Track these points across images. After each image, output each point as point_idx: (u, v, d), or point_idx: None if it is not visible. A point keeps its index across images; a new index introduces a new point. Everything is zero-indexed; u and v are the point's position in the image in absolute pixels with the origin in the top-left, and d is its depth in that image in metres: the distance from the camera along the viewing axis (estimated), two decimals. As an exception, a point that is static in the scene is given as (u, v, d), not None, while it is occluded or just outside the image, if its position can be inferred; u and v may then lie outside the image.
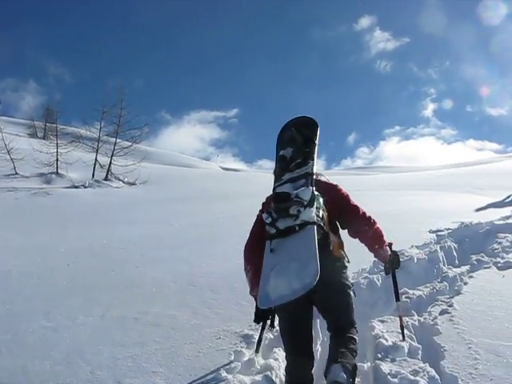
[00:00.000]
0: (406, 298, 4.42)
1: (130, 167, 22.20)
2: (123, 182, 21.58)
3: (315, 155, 3.20)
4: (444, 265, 5.59)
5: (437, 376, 2.94)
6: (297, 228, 2.79)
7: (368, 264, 5.46)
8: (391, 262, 3.30)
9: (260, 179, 24.61)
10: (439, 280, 4.82)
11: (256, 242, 3.12)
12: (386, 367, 3.06)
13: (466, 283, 4.66)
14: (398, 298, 3.60)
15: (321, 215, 2.88)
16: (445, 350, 3.27)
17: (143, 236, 8.39)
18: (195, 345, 3.71)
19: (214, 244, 7.44)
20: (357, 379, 2.94)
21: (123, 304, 4.63)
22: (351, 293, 3.04)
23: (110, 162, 22.74)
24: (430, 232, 7.19)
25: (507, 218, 8.39)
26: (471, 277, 4.89)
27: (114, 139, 24.44)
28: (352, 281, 3.33)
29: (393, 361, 3.20)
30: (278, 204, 2.88)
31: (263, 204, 3.31)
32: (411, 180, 20.30)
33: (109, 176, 22.15)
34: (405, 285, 4.84)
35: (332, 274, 2.88)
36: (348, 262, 3.13)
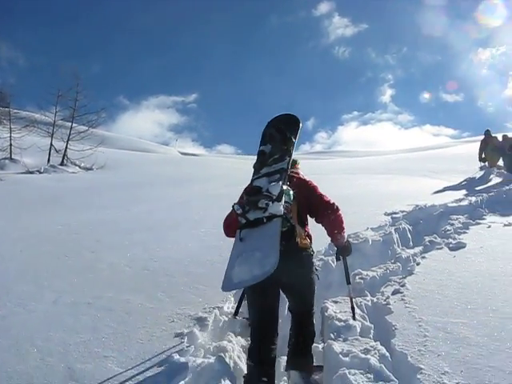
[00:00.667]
0: (359, 278, 4.51)
1: (86, 152, 21.68)
2: (79, 167, 21.06)
3: (292, 153, 3.43)
4: (398, 246, 5.72)
5: (387, 354, 3.02)
6: (265, 220, 3.03)
7: (323, 246, 5.52)
8: (344, 249, 3.52)
9: (219, 164, 24.57)
10: (393, 261, 4.93)
11: (232, 217, 3.30)
12: (337, 346, 3.11)
13: (418, 264, 4.79)
14: (348, 282, 3.74)
15: (289, 209, 3.14)
16: (396, 329, 3.35)
17: (99, 221, 8.24)
18: (148, 329, 3.68)
19: (170, 229, 7.39)
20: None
21: (76, 289, 4.55)
22: (315, 280, 3.31)
23: (66, 147, 22.14)
24: (385, 214, 7.33)
25: (460, 200, 8.65)
26: (424, 257, 5.03)
27: (70, 123, 23.78)
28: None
29: (345, 340, 3.26)
30: (249, 197, 3.12)
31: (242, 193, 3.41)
32: (368, 164, 20.59)
33: (65, 161, 21.56)
34: (359, 266, 4.95)
35: (298, 264, 3.14)
36: (313, 252, 3.33)
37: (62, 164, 21.01)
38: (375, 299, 4.01)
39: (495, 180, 12.91)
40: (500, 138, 14.86)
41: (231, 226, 3.32)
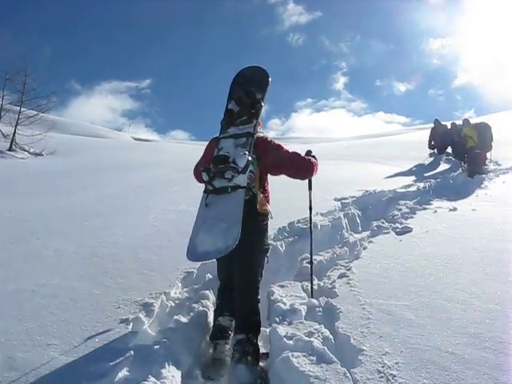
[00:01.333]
0: (306, 263, 4.56)
1: (36, 137, 20.95)
2: (29, 153, 20.34)
3: (259, 115, 3.59)
4: (347, 231, 5.83)
5: (331, 336, 3.09)
6: (229, 190, 3.27)
7: (272, 231, 5.58)
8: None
9: (172, 149, 24.32)
10: (340, 245, 5.03)
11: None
12: (282, 330, 3.16)
13: (365, 248, 4.90)
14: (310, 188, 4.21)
15: (252, 179, 3.37)
16: (340, 312, 3.42)
17: (48, 208, 8.02)
18: (93, 315, 3.64)
19: (120, 215, 7.30)
20: (259, 343, 3.40)
21: (20, 277, 4.43)
22: (264, 246, 3.55)
23: (15, 132, 21.32)
24: (335, 200, 7.45)
25: (409, 186, 8.90)
26: (371, 242, 5.15)
27: (19, 108, 22.99)
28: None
29: (290, 324, 3.32)
30: (216, 166, 3.30)
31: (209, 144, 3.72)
32: (321, 150, 20.76)
33: (13, 146, 20.78)
34: (308, 250, 5.00)
35: (252, 228, 3.34)
36: (271, 217, 3.61)
37: (10, 149, 20.28)
38: (322, 283, 4.09)
39: (443, 166, 13.32)
40: (449, 126, 15.32)
41: (200, 176, 3.51)
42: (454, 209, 6.56)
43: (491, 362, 2.61)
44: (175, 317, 3.68)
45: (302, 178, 3.69)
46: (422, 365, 2.66)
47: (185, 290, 4.31)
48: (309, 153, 3.75)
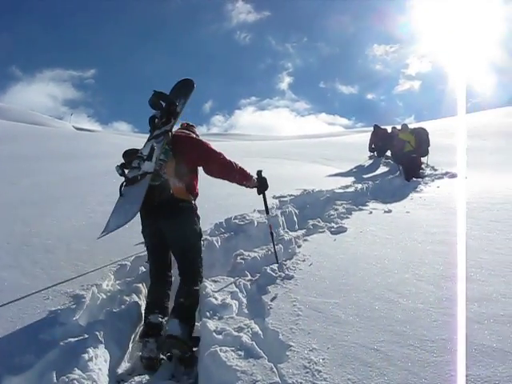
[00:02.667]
0: (241, 259, 4.62)
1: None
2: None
3: (178, 114, 4.07)
4: (283, 229, 5.91)
5: (260, 332, 3.16)
6: (139, 178, 3.59)
7: (209, 226, 5.61)
8: (261, 187, 4.37)
9: (113, 140, 23.91)
10: (276, 243, 5.07)
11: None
12: (212, 324, 3.21)
13: (299, 246, 5.01)
14: (267, 212, 4.71)
15: (163, 166, 3.70)
16: (271, 308, 3.49)
17: (-20, 196, 7.77)
18: (21, 306, 3.59)
19: (56, 204, 7.16)
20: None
21: None
22: (197, 234, 3.96)
23: None
24: (273, 198, 7.54)
25: (347, 187, 9.11)
26: (306, 240, 5.26)
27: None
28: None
29: (220, 318, 3.37)
30: (124, 158, 3.81)
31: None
32: (263, 148, 20.99)
33: None
34: (243, 247, 5.09)
35: (174, 213, 3.76)
36: (195, 206, 3.98)
37: None
38: (254, 279, 4.14)
39: (382, 169, 13.73)
40: (389, 130, 15.79)
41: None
42: (389, 211, 6.77)
43: (413, 359, 2.74)
44: (106, 309, 3.68)
45: (223, 177, 4.09)
46: (348, 361, 2.75)
47: (117, 282, 4.28)
48: (259, 173, 4.36)
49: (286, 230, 5.89)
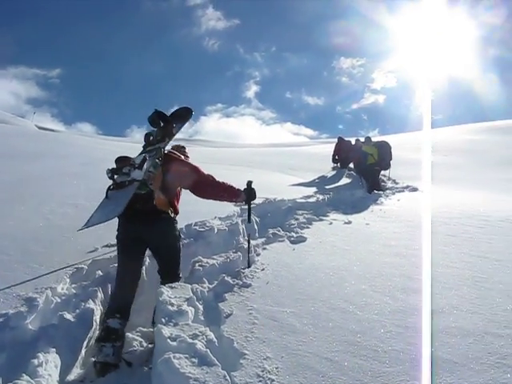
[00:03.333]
0: (199, 266, 4.61)
1: None
2: None
3: (172, 136, 4.48)
4: (244, 237, 5.92)
5: (215, 339, 3.15)
6: (127, 183, 3.84)
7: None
8: (247, 198, 4.59)
9: (77, 142, 23.49)
10: (234, 251, 5.09)
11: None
12: (167, 331, 3.19)
13: (258, 254, 5.04)
14: (249, 221, 4.81)
15: (151, 177, 3.95)
16: (227, 316, 3.51)
17: None
18: (-30, 310, 3.50)
19: (13, 205, 7.00)
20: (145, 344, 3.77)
21: None
22: (177, 243, 4.25)
23: None
24: (235, 205, 7.53)
25: (309, 197, 9.20)
26: (265, 249, 5.29)
27: None
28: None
29: (175, 325, 3.34)
30: (116, 164, 4.02)
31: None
32: (228, 155, 21.03)
33: None
34: (202, 253, 5.08)
35: (156, 224, 4.01)
36: (175, 220, 4.22)
37: None
38: (212, 286, 4.13)
39: (344, 180, 13.90)
40: (353, 142, 16.01)
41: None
42: (349, 222, 6.87)
43: (365, 369, 2.79)
44: (60, 313, 3.61)
45: (213, 198, 4.40)
46: (301, 370, 2.79)
47: (73, 286, 4.22)
48: (249, 183, 4.56)
49: (246, 237, 5.91)
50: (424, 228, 6.42)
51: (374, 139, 14.42)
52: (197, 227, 5.88)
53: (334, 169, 16.14)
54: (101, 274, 4.42)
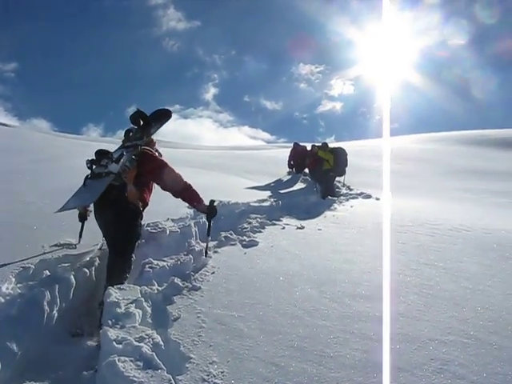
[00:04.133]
0: (149, 267, 4.56)
1: None
2: None
3: (150, 135, 5.08)
4: (195, 239, 5.90)
5: (161, 342, 3.15)
6: (103, 175, 4.41)
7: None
8: (209, 214, 5.03)
9: (32, 137, 22.92)
10: (185, 253, 5.05)
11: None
12: (113, 333, 3.17)
13: (210, 257, 5.00)
14: (208, 235, 5.17)
15: (126, 171, 4.45)
16: (175, 319, 3.50)
17: None
18: None
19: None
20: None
21: None
22: (135, 231, 4.65)
23: None
24: (188, 207, 7.51)
25: (263, 201, 9.23)
26: (216, 252, 5.28)
27: None
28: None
29: (122, 327, 3.33)
30: (96, 156, 4.54)
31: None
32: (185, 157, 20.92)
33: None
34: (154, 255, 5.02)
35: (122, 211, 4.46)
36: (140, 211, 4.71)
37: None
38: (161, 288, 4.10)
39: (299, 185, 14.02)
40: (309, 148, 16.17)
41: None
42: (302, 227, 6.92)
43: (311, 374, 2.83)
44: (2, 314, 3.50)
45: (174, 194, 4.85)
46: (246, 375, 2.80)
47: (18, 285, 4.08)
48: (211, 202, 5.06)
49: (198, 240, 5.89)
50: (375, 235, 6.54)
51: (330, 145, 14.59)
52: (149, 228, 5.84)
53: (289, 173, 16.29)
54: (48, 273, 4.31)
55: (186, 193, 4.81)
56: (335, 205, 9.86)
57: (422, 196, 12.85)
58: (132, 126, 4.96)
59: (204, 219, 6.54)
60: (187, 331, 3.30)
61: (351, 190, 13.57)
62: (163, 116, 5.46)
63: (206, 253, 5.01)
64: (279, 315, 3.63)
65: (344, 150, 13.77)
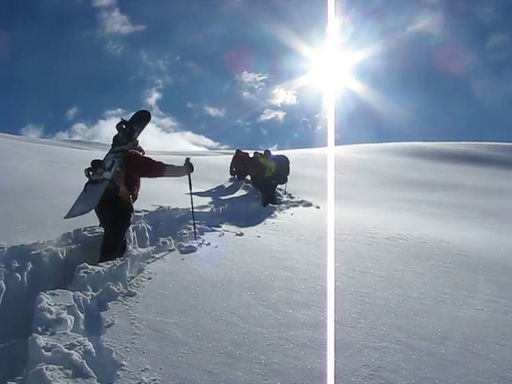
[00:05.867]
0: (83, 272, 4.45)
1: None
2: None
3: (134, 138, 6.04)
4: (134, 244, 5.83)
5: (93, 349, 3.08)
6: (99, 181, 5.44)
7: (55, 237, 5.37)
8: (188, 170, 6.06)
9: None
10: (122, 258, 4.98)
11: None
12: (42, 340, 3.07)
13: (147, 263, 4.96)
14: (190, 189, 6.66)
15: (118, 176, 5.49)
16: (108, 325, 3.44)
17: None
18: None
19: None
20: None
21: None
22: (124, 223, 5.58)
23: None
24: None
25: (203, 207, 9.21)
26: (154, 257, 5.22)
27: None
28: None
29: (52, 334, 3.23)
30: (92, 166, 5.54)
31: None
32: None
33: None
34: (89, 260, 4.92)
35: (114, 206, 5.44)
36: (131, 206, 5.74)
37: None
38: (96, 294, 4.02)
39: (241, 192, 14.03)
40: (251, 155, 16.23)
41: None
42: (241, 234, 6.94)
43: (243, 381, 2.86)
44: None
45: (156, 176, 5.93)
46: (179, 382, 2.80)
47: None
48: (187, 160, 6.09)
49: (136, 245, 5.83)
50: (314, 243, 6.64)
51: (273, 153, 14.67)
52: (86, 232, 5.74)
53: (231, 180, 16.29)
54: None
55: (167, 172, 5.89)
56: (276, 212, 9.94)
57: (362, 205, 13.10)
58: (119, 132, 5.95)
59: (141, 224, 6.53)
60: (120, 338, 3.25)
61: (292, 197, 13.65)
62: (143, 119, 6.51)
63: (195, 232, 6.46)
64: (214, 322, 3.63)
65: (286, 158, 13.87)
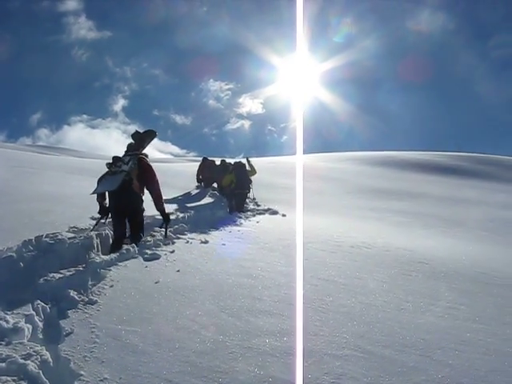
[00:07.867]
0: (44, 280, 4.37)
1: None
2: None
3: (144, 147, 7.15)
4: (97, 251, 5.75)
5: (50, 359, 3.01)
6: (118, 172, 6.52)
7: (16, 243, 5.24)
8: (167, 219, 7.08)
9: None
10: (84, 265, 4.90)
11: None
12: (-4, 351, 2.97)
13: (110, 270, 4.88)
14: (165, 236, 6.91)
15: (132, 169, 6.52)
16: (67, 334, 3.37)
17: None
18: None
19: None
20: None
21: None
22: (141, 213, 6.85)
23: None
24: (91, 218, 7.38)
25: (169, 214, 9.08)
26: (116, 265, 5.14)
27: None
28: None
29: (8, 344, 3.14)
30: (113, 160, 6.69)
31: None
32: (93, 166, 20.30)
33: None
34: (50, 267, 4.80)
35: (130, 198, 6.59)
36: (143, 195, 6.85)
37: None
38: (56, 302, 3.94)
39: (207, 200, 14.00)
40: (218, 163, 16.23)
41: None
42: (206, 241, 6.90)
43: (204, 390, 2.81)
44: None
45: (153, 198, 6.83)
46: (137, 391, 2.74)
47: None
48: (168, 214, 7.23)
49: (99, 252, 5.74)
50: (279, 251, 6.65)
51: (230, 161, 14.69)
52: (47, 239, 5.60)
53: (197, 188, 16.26)
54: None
55: (159, 198, 6.79)
56: (241, 220, 9.95)
57: (328, 213, 13.21)
58: (132, 140, 7.12)
59: (105, 231, 6.51)
60: (79, 347, 3.18)
61: (259, 205, 13.67)
62: (150, 135, 7.37)
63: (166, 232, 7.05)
64: (176, 330, 3.59)
65: (243, 165, 13.44)
